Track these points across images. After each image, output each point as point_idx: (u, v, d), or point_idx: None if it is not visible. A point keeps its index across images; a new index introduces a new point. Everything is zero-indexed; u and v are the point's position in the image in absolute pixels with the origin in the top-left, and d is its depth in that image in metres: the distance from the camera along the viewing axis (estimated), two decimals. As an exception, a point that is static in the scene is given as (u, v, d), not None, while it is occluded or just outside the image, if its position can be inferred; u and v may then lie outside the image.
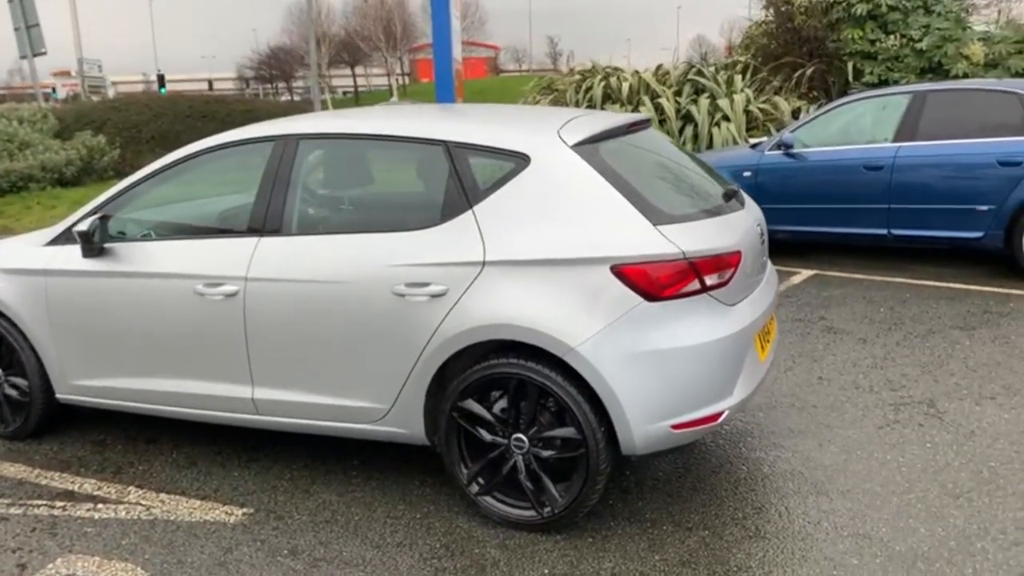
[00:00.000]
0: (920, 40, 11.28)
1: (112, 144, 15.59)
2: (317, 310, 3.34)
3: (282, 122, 3.76)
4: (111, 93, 31.33)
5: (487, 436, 3.18)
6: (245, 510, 3.46)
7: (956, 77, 10.80)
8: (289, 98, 63.84)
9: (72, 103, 23.98)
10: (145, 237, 3.85)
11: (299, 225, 3.52)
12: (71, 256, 3.87)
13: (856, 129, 7.40)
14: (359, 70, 67.72)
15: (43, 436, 4.26)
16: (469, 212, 3.16)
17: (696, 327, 2.98)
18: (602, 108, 11.23)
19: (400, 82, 60.89)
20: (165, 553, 3.15)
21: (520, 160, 3.16)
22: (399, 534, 3.23)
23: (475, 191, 3.19)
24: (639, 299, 2.91)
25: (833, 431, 4.01)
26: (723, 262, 3.05)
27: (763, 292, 3.44)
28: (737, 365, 3.12)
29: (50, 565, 3.11)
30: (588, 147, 3.19)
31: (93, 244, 3.70)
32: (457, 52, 16.35)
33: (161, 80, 50.82)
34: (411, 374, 3.23)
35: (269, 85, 72.96)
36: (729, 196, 3.50)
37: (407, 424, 3.33)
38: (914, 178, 6.90)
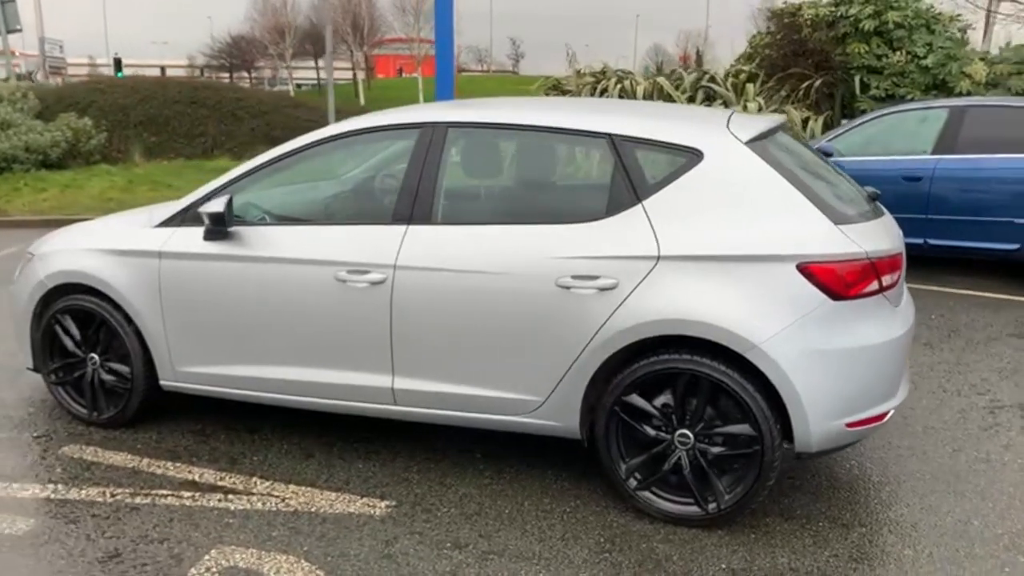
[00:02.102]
0: (925, 57, 11.61)
1: (98, 127, 15.11)
2: (472, 301, 3.29)
3: (424, 109, 3.69)
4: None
5: (651, 432, 3.17)
6: (387, 502, 3.39)
7: (960, 94, 11.15)
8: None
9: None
10: (271, 222, 3.74)
11: (450, 214, 3.46)
12: (190, 238, 3.74)
13: (894, 140, 7.58)
14: (321, 63, 66.73)
15: (137, 425, 4.11)
16: (639, 206, 3.15)
17: (874, 327, 3.02)
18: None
19: (362, 76, 60.07)
20: (324, 545, 3.07)
21: (692, 155, 3.16)
22: (557, 528, 3.20)
23: (644, 185, 3.18)
24: (824, 298, 2.94)
25: (940, 433, 4.10)
26: (894, 263, 3.11)
27: (908, 298, 3.50)
28: (902, 365, 3.18)
29: (206, 556, 3.00)
30: (758, 144, 3.21)
31: (224, 226, 3.58)
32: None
33: (118, 64, 49.24)
34: (572, 367, 3.20)
35: (228, 74, 71.43)
36: (873, 199, 3.56)
37: (561, 417, 3.30)
38: (953, 190, 7.10)
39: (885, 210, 3.63)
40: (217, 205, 3.56)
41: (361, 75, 57.35)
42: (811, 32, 12.45)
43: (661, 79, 11.72)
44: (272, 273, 3.58)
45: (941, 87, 11.49)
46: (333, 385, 3.59)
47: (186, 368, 3.85)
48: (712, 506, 3.13)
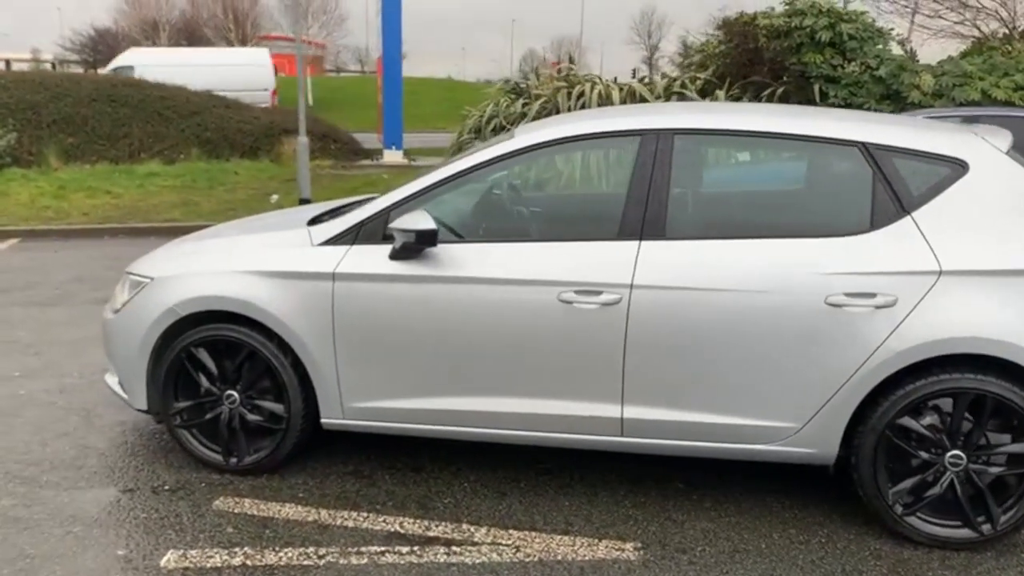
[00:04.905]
0: (877, 68, 12.17)
1: (4, 127, 13.59)
2: (723, 321, 3.05)
3: (639, 114, 3.40)
4: None
5: (925, 455, 3.04)
6: (632, 544, 3.10)
7: (913, 104, 11.75)
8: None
9: None
10: (463, 239, 3.37)
11: (686, 228, 3.20)
12: (370, 257, 3.32)
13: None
14: (197, 61, 63.31)
15: (278, 471, 3.61)
16: (908, 218, 3.02)
17: None
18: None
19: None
20: (608, 600, 2.76)
21: (956, 166, 3.06)
22: (830, 562, 3.01)
23: (908, 196, 3.05)
24: (1119, 312, 2.90)
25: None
26: None
27: None
28: None
29: (488, 624, 2.63)
30: (1012, 154, 3.14)
31: (433, 245, 3.19)
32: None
33: (-34, 57, 45.07)
34: (840, 390, 3.03)
35: (93, 69, 66.54)
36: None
37: (819, 444, 3.12)
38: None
39: None
40: (423, 221, 3.16)
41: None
42: (767, 42, 12.79)
43: (636, 84, 11.74)
44: (480, 295, 3.21)
45: (894, 97, 12.07)
46: (549, 416, 3.26)
47: (360, 403, 3.40)
48: (986, 527, 3.03)
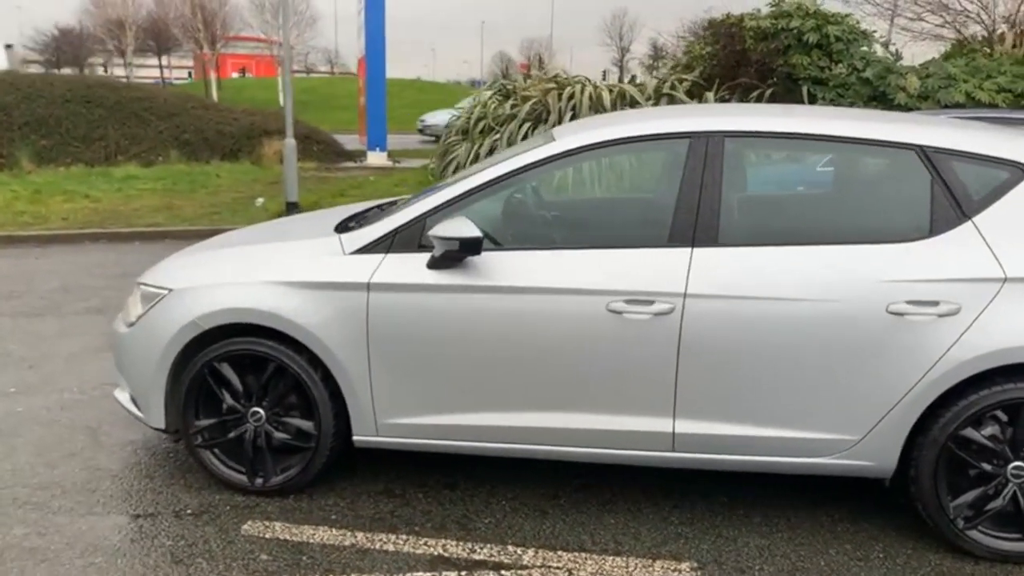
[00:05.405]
0: (864, 70, 12.23)
1: (-26, 128, 13.17)
2: (781, 332, 2.95)
3: (689, 116, 3.28)
4: None
5: (987, 467, 2.95)
6: (688, 564, 2.97)
7: (899, 106, 11.82)
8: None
9: None
10: (503, 246, 3.23)
11: (743, 235, 3.08)
12: (406, 266, 3.17)
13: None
14: (164, 61, 62.22)
15: (305, 492, 3.43)
16: (968, 223, 2.94)
17: None
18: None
19: (210, 75, 56.29)
20: (675, 626, 2.63)
21: (1016, 169, 2.98)
22: (893, 578, 2.92)
23: (968, 201, 2.97)
24: None
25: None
26: None
27: None
28: None
29: (553, 655, 2.49)
30: (1069, 159, 3.07)
31: (478, 253, 3.04)
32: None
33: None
34: (901, 402, 2.93)
35: (56, 70, 65.13)
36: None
37: (877, 456, 3.02)
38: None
39: None
40: (467, 228, 3.00)
41: (192, 74, 54.07)
42: (754, 43, 12.80)
43: (627, 86, 11.68)
44: (524, 305, 3.07)
45: (881, 99, 12.13)
46: (597, 431, 3.13)
47: (395, 419, 3.24)
48: (1050, 541, 2.96)
